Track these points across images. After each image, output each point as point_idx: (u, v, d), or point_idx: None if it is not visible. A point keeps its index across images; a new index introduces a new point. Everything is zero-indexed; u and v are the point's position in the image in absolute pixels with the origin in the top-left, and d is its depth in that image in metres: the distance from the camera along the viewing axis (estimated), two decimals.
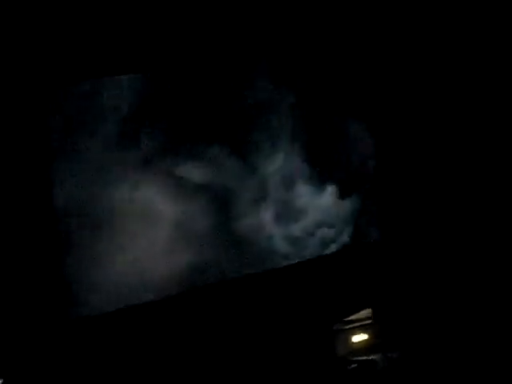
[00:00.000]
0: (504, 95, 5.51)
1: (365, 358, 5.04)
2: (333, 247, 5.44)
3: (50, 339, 4.21)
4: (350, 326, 5.30)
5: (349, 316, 5.32)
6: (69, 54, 4.44)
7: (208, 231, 4.98)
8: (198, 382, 4.68)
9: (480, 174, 5.55)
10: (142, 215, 4.73)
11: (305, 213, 5.39)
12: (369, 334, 5.28)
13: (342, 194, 5.49)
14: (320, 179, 5.43)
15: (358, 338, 5.26)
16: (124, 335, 4.57)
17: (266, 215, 5.23)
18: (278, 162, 5.28)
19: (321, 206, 5.43)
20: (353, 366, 4.94)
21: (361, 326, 5.31)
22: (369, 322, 5.32)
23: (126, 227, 4.66)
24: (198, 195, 4.95)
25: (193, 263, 4.87)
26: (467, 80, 5.58)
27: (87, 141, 4.56)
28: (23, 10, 4.27)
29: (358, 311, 5.35)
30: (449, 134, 5.62)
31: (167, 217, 4.82)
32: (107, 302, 4.53)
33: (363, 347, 5.21)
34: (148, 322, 4.68)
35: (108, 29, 4.59)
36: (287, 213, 5.31)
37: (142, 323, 4.65)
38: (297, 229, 5.34)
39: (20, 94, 4.30)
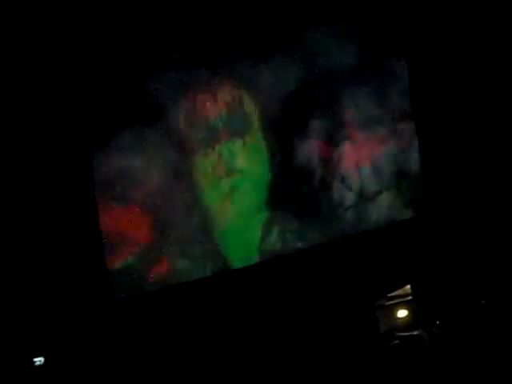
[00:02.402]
0: None
1: (408, 333, 5.02)
2: None
3: (89, 319, 4.35)
4: (393, 301, 5.29)
5: (392, 292, 5.31)
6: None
7: None
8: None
9: None
10: None
11: None
12: (411, 310, 5.26)
13: None
14: None
15: (402, 313, 5.25)
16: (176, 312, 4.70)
17: None
18: None
19: None
20: (395, 341, 4.93)
21: (404, 301, 5.29)
22: (411, 297, 5.30)
23: None
24: None
25: None
26: None
27: None
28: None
29: (400, 287, 5.32)
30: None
31: None
32: None
33: (406, 323, 5.19)
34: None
35: None
36: None
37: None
38: None
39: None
